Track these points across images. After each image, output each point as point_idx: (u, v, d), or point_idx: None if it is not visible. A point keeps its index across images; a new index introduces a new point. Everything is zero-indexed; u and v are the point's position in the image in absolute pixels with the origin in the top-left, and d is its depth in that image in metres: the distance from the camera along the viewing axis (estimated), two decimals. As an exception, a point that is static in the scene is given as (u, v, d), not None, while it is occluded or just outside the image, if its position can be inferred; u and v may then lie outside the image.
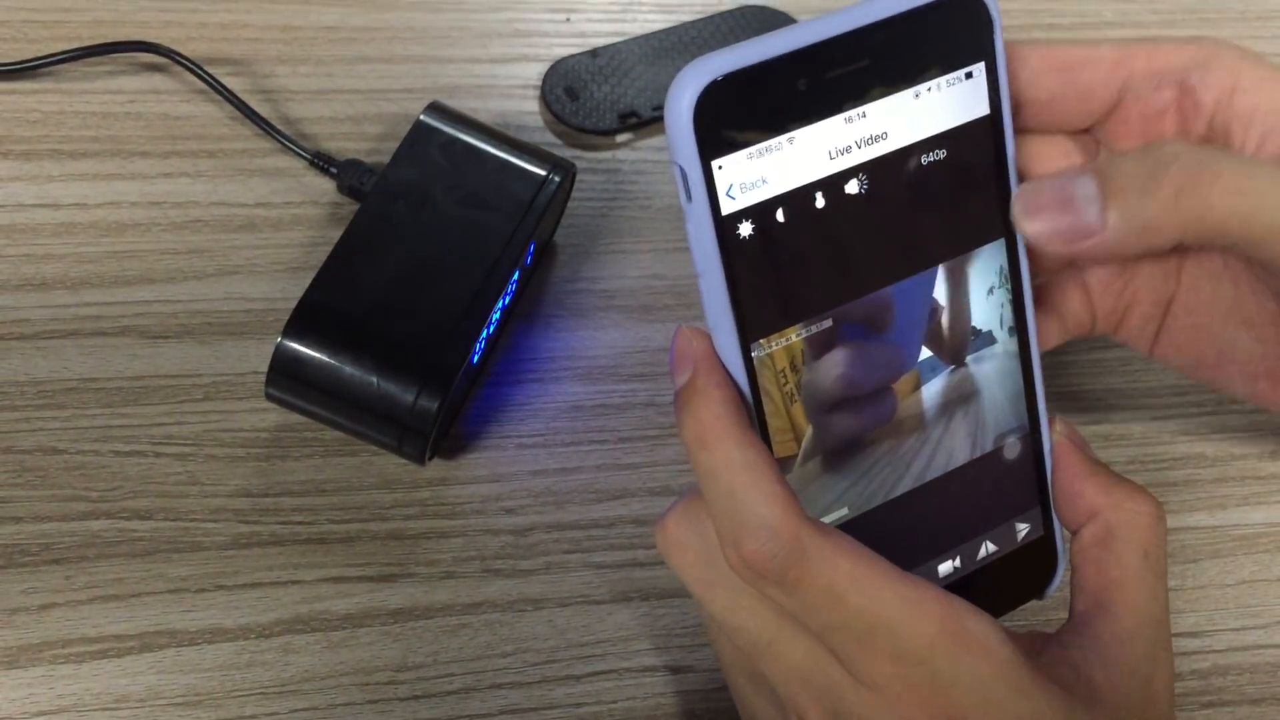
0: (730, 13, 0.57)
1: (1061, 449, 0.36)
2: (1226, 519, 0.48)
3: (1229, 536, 0.48)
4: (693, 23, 0.56)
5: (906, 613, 0.31)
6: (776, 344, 0.33)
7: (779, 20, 0.57)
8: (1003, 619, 0.33)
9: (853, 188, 0.32)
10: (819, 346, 0.33)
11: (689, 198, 0.31)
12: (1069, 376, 0.50)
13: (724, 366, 0.32)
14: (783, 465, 0.33)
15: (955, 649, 0.31)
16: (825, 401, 0.33)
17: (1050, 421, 0.37)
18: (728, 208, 0.31)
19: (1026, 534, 0.37)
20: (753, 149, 0.31)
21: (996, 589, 0.37)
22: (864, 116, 0.32)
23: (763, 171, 0.31)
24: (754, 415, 0.33)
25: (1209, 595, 0.46)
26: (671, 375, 0.33)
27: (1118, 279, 0.38)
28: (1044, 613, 0.43)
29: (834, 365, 0.33)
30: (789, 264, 0.32)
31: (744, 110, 0.31)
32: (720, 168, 0.31)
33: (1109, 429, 0.49)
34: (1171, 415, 0.50)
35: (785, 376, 0.33)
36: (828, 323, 0.33)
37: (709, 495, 0.32)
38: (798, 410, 0.33)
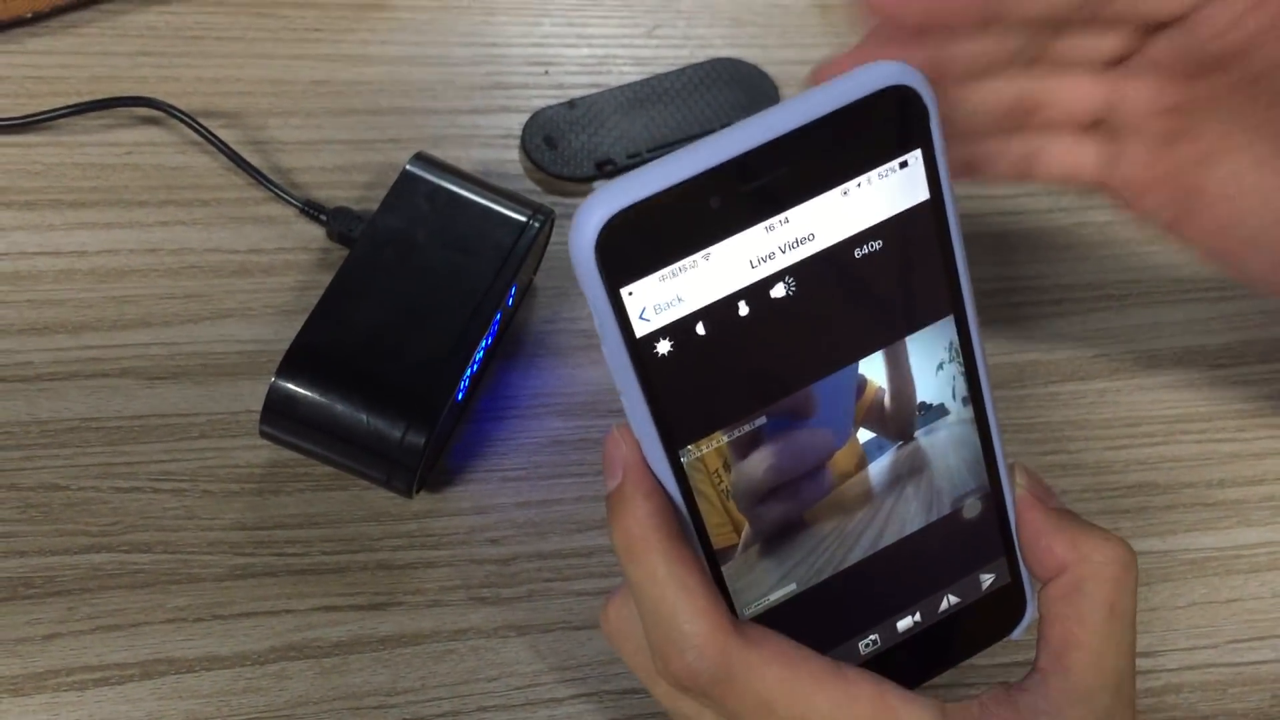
0: (701, 65, 0.59)
1: (1024, 503, 0.36)
2: (1177, 544, 0.50)
3: (1179, 561, 0.49)
4: (666, 75, 0.59)
5: (838, 714, 0.31)
6: (706, 447, 0.32)
7: (749, 73, 0.59)
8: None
9: (779, 291, 0.31)
10: (749, 445, 0.33)
11: (600, 324, 0.30)
12: (1026, 409, 0.52)
13: (652, 473, 0.32)
14: (724, 555, 0.33)
15: None
16: (756, 495, 0.33)
17: (1011, 472, 0.36)
18: (641, 330, 0.30)
19: (992, 583, 0.37)
20: (664, 271, 0.30)
21: (961, 636, 0.37)
22: (787, 222, 0.30)
23: (677, 291, 0.30)
24: (686, 520, 0.33)
25: (1161, 617, 0.48)
26: (604, 479, 0.33)
27: (1153, 152, 0.41)
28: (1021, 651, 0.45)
29: (759, 461, 0.33)
30: (712, 374, 0.31)
31: (651, 237, 0.29)
32: (630, 294, 0.30)
33: (1065, 459, 0.51)
34: (1124, 446, 0.52)
35: (719, 476, 0.33)
36: (760, 420, 0.32)
37: (639, 607, 0.32)
38: (734, 505, 0.33)
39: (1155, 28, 0.39)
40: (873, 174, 0.31)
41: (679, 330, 0.30)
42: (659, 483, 0.32)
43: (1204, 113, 0.40)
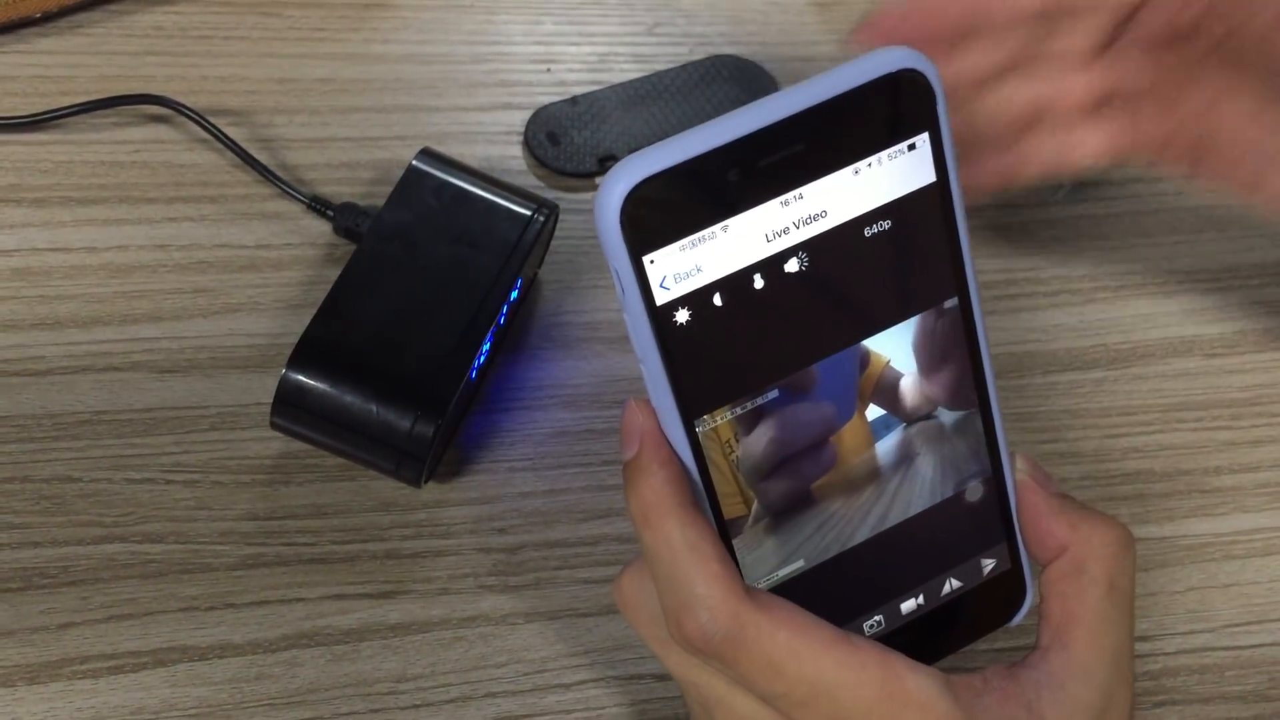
0: (701, 62, 0.60)
1: (1025, 488, 0.37)
2: (1175, 530, 0.50)
3: (1177, 547, 0.50)
4: (666, 72, 0.59)
5: (845, 678, 0.32)
6: (721, 418, 0.33)
7: (749, 69, 0.60)
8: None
9: (792, 266, 0.32)
10: (760, 418, 0.33)
11: (622, 291, 0.31)
12: (1025, 398, 0.53)
13: (668, 443, 0.33)
14: (735, 526, 0.34)
15: (894, 709, 0.32)
16: (761, 470, 0.34)
17: (1012, 459, 0.37)
18: (662, 298, 0.31)
19: (993, 568, 0.38)
20: (685, 241, 0.31)
21: (963, 621, 0.38)
22: (801, 198, 0.31)
23: (697, 260, 0.31)
24: (700, 489, 0.33)
25: (1159, 602, 0.49)
26: (621, 449, 0.34)
27: (1162, 111, 0.46)
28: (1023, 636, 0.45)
29: (762, 435, 0.34)
30: (728, 345, 0.32)
31: (673, 206, 0.30)
32: (652, 262, 0.31)
33: (1063, 447, 0.52)
34: (1121, 434, 0.53)
35: (730, 446, 0.34)
36: (772, 394, 0.33)
37: (653, 572, 0.33)
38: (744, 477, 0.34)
39: (1126, 15, 0.45)
40: (883, 155, 0.32)
41: (697, 300, 0.31)
42: (674, 452, 0.33)
43: (1198, 68, 0.45)
